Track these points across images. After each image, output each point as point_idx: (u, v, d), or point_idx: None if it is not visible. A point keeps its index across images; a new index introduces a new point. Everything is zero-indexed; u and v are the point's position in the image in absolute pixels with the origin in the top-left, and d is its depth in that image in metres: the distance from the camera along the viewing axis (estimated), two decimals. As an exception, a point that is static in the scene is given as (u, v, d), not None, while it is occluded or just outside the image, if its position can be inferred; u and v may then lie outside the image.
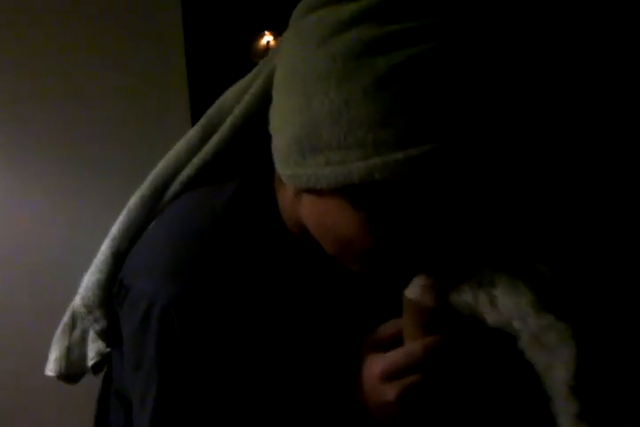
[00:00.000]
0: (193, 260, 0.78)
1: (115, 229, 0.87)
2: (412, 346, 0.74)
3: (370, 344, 0.79)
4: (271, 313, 0.80)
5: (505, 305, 0.67)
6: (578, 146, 0.75)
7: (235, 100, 0.84)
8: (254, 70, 0.85)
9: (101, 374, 0.95)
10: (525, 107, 0.66)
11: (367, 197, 0.68)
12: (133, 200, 0.87)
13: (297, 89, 0.69)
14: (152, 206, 0.86)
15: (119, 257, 0.85)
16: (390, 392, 0.74)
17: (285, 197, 0.79)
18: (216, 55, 1.87)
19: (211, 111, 0.86)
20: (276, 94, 0.74)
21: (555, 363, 0.65)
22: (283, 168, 0.73)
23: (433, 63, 0.63)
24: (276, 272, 0.80)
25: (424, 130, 0.63)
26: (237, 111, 0.83)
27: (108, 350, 0.92)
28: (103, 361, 0.93)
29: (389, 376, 0.75)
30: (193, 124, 0.87)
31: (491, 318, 0.68)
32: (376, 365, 0.76)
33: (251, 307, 0.78)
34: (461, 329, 0.73)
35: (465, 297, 0.70)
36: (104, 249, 0.87)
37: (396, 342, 0.77)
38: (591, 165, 0.80)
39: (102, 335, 0.88)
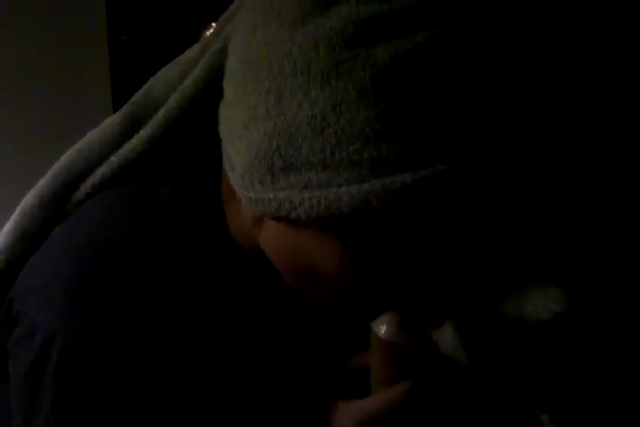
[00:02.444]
0: (105, 281, 0.62)
1: (2, 236, 0.69)
2: (391, 394, 0.65)
3: (333, 383, 0.69)
4: (209, 346, 0.66)
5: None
6: (589, 157, 0.67)
7: (169, 86, 0.67)
8: (197, 47, 0.67)
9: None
10: (555, 119, 0.55)
11: (359, 230, 0.54)
12: (30, 201, 0.69)
13: (262, 84, 0.54)
14: (53, 210, 0.68)
15: (9, 273, 0.68)
16: None
17: (238, 216, 0.63)
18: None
19: (137, 98, 0.68)
20: (229, 88, 0.58)
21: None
22: (243, 189, 0.57)
23: (451, 53, 0.50)
24: (217, 296, 0.66)
25: (439, 145, 0.50)
26: (173, 101, 0.66)
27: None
28: None
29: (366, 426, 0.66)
30: (115, 107, 0.71)
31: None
32: (350, 416, 0.66)
33: (182, 341, 0.64)
34: (436, 370, 0.67)
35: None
36: None
37: (362, 378, 0.68)
38: (600, 176, 0.73)
39: None
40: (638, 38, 0.59)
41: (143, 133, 0.67)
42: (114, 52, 1.86)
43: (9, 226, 0.69)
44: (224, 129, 0.59)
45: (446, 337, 0.64)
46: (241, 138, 0.56)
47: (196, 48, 0.67)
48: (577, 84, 0.54)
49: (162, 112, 0.66)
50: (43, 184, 0.69)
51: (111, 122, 0.68)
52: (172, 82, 0.67)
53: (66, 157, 0.69)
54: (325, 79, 0.51)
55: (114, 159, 0.67)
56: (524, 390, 0.68)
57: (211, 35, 0.66)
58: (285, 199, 0.54)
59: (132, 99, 0.69)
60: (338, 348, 0.71)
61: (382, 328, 0.65)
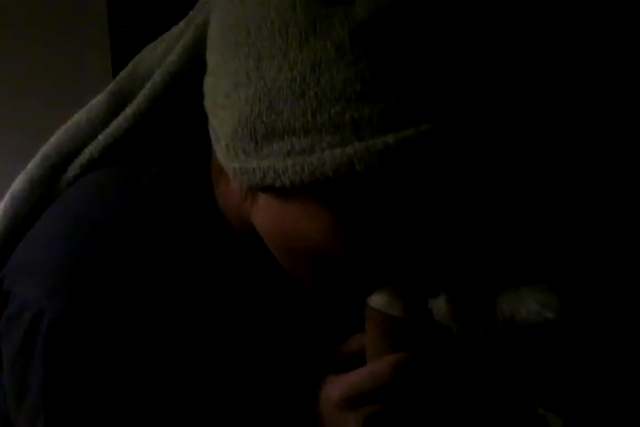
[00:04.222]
0: (93, 259, 0.62)
1: None
2: (378, 365, 0.63)
3: (329, 363, 0.67)
4: (200, 324, 0.65)
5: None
6: (580, 139, 0.69)
7: (155, 61, 0.67)
8: (181, 23, 0.67)
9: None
10: (540, 82, 0.54)
11: (345, 196, 0.54)
12: (19, 185, 0.69)
13: (241, 50, 0.53)
14: (44, 193, 0.68)
15: (1, 258, 0.68)
16: (351, 423, 0.62)
17: (228, 193, 0.63)
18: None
19: (122, 76, 0.68)
20: (211, 57, 0.58)
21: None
22: (227, 160, 0.57)
23: (432, 7, 0.49)
24: (208, 274, 0.65)
25: (422, 104, 0.49)
26: (158, 77, 0.65)
27: None
28: None
29: (351, 403, 0.62)
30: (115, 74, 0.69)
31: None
32: (336, 388, 0.64)
33: (170, 318, 0.63)
34: (432, 343, 0.66)
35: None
36: None
37: (359, 360, 0.65)
38: (593, 162, 0.75)
39: None
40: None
41: (129, 110, 0.66)
42: (115, 43, 1.84)
43: (1, 209, 0.69)
44: (208, 101, 0.59)
45: (440, 304, 0.64)
46: (223, 107, 0.56)
47: (180, 24, 0.67)
48: (563, 46, 0.54)
49: (147, 87, 0.66)
50: (32, 167, 0.69)
51: (97, 101, 0.68)
52: (156, 57, 0.67)
53: (54, 139, 0.69)
54: (304, 39, 0.50)
55: (101, 138, 0.67)
56: (515, 378, 0.68)
57: (194, 9, 0.66)
58: (269, 167, 0.54)
59: (118, 77, 0.68)
60: (333, 329, 0.69)
61: (373, 297, 0.63)
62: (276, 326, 0.68)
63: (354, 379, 0.63)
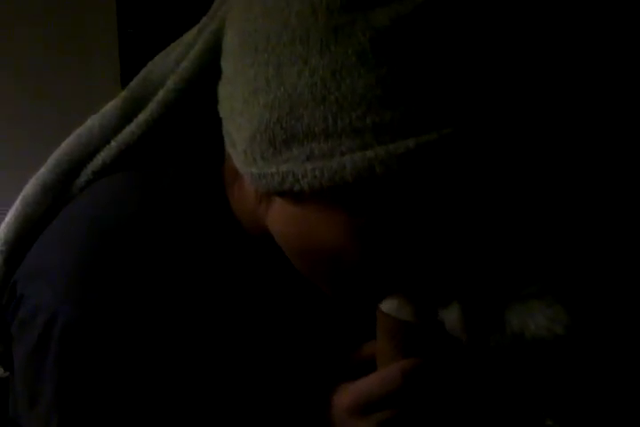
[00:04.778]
0: (106, 263, 0.62)
1: (5, 227, 0.69)
2: (387, 371, 0.63)
3: (341, 370, 0.67)
4: (213, 328, 0.64)
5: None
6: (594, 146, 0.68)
7: (167, 68, 0.67)
8: (194, 29, 0.67)
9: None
10: (562, 85, 0.54)
11: (365, 199, 0.54)
12: (31, 189, 0.69)
13: (261, 56, 0.53)
14: (56, 198, 0.68)
15: (13, 261, 0.68)
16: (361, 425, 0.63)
17: (242, 197, 0.64)
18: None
19: (135, 83, 0.69)
20: (228, 65, 0.58)
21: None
22: (245, 165, 0.57)
23: (452, 14, 0.49)
24: (223, 278, 0.65)
25: (443, 108, 0.50)
26: (171, 83, 0.66)
27: (7, 373, 0.73)
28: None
29: (362, 409, 0.63)
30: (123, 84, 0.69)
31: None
32: (346, 395, 0.64)
33: (183, 317, 0.63)
34: (442, 350, 0.66)
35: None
36: None
37: (371, 367, 0.65)
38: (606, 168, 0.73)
39: None
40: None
41: (142, 116, 0.67)
42: (123, 45, 1.84)
43: (11, 215, 0.69)
44: (224, 107, 0.59)
45: (453, 315, 0.64)
46: (241, 113, 0.56)
47: (193, 31, 0.67)
48: (582, 56, 0.54)
49: (160, 94, 0.66)
50: (44, 171, 0.69)
51: (111, 107, 0.69)
52: (169, 64, 0.67)
53: (66, 144, 0.70)
54: (325, 45, 0.50)
55: (113, 144, 0.67)
56: (525, 389, 0.67)
57: (207, 16, 0.66)
58: (288, 172, 0.54)
59: (131, 83, 0.69)
60: (346, 334, 0.69)
61: (385, 302, 0.64)
62: (288, 331, 0.68)
63: (364, 385, 0.63)
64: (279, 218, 0.60)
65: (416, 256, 0.58)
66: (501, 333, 0.64)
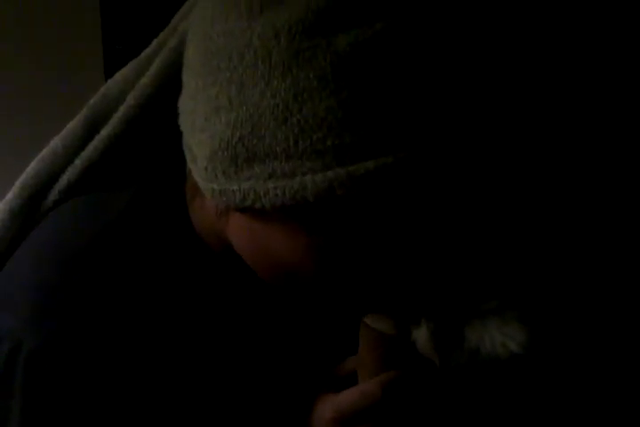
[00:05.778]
0: (66, 289, 0.62)
1: None
2: (368, 385, 0.64)
3: (323, 382, 0.68)
4: (181, 349, 0.64)
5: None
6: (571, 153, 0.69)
7: (127, 84, 0.67)
8: (153, 44, 0.68)
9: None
10: (521, 107, 0.54)
11: (323, 219, 0.54)
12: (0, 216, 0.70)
13: (223, 75, 0.53)
14: (23, 221, 0.69)
15: None
16: None
17: (203, 211, 0.64)
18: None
19: (95, 101, 0.69)
20: (189, 80, 0.58)
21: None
22: (206, 181, 0.57)
23: (411, 40, 0.50)
24: (187, 296, 0.65)
25: (398, 133, 0.50)
26: (131, 99, 0.66)
27: None
28: None
29: (342, 422, 0.64)
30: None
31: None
32: (328, 407, 0.65)
33: (152, 342, 0.63)
34: (422, 364, 0.65)
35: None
36: None
37: (353, 380, 0.66)
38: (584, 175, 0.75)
39: None
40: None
41: (104, 132, 0.67)
42: (109, 61, 1.84)
43: None
44: (185, 122, 0.59)
45: (422, 336, 0.64)
46: (203, 130, 0.55)
47: (151, 47, 0.68)
48: (540, 75, 0.55)
49: (121, 110, 0.66)
50: (11, 197, 0.70)
51: (72, 126, 0.69)
52: (129, 80, 0.67)
53: (31, 168, 0.70)
54: (287, 68, 0.51)
55: (77, 162, 0.67)
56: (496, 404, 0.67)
57: (165, 33, 0.67)
58: (250, 190, 0.54)
59: (91, 101, 0.69)
60: (323, 344, 0.70)
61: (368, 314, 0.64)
62: (262, 343, 0.68)
63: (345, 398, 0.64)
64: (238, 232, 0.60)
65: (372, 274, 0.58)
66: (461, 349, 0.64)
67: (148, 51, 0.68)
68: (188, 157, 0.59)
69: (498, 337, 0.63)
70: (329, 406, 0.65)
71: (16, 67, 1.88)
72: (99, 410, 0.62)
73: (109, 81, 0.69)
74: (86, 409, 0.62)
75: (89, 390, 0.61)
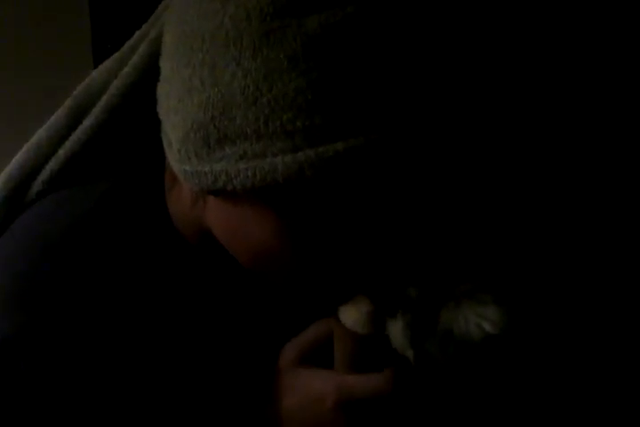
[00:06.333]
0: (39, 280, 0.63)
1: None
2: (380, 377, 0.63)
3: (293, 353, 0.67)
4: (157, 339, 0.65)
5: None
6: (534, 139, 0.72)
7: (110, 74, 0.69)
8: (135, 36, 0.69)
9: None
10: (489, 92, 0.56)
11: (294, 200, 0.55)
12: None
13: (196, 56, 0.54)
14: (8, 213, 0.69)
15: None
16: (340, 420, 0.63)
17: (180, 198, 0.64)
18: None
19: (78, 91, 0.70)
20: (165, 64, 0.59)
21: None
22: (179, 163, 0.58)
23: (381, 23, 0.51)
24: (161, 287, 0.65)
25: (370, 114, 0.51)
26: (114, 88, 0.67)
27: None
28: None
29: (346, 406, 0.63)
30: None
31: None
32: (331, 383, 0.64)
33: (125, 333, 0.63)
34: (393, 363, 0.65)
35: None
36: None
37: (318, 351, 0.66)
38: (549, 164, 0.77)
39: None
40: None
41: (86, 122, 0.68)
42: (99, 60, 1.84)
43: None
44: (161, 106, 0.60)
45: (397, 331, 0.63)
46: (176, 112, 0.56)
47: (133, 38, 0.69)
48: (503, 55, 0.56)
49: (103, 99, 0.67)
50: None
51: (57, 117, 0.70)
52: (112, 71, 0.68)
53: (15, 160, 0.70)
54: (257, 49, 0.51)
55: (61, 152, 0.68)
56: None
57: (147, 24, 0.68)
58: (221, 171, 0.54)
59: (75, 92, 0.70)
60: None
61: (340, 314, 0.64)
62: (240, 333, 0.68)
63: (354, 381, 0.63)
64: (214, 217, 0.61)
65: (345, 254, 0.59)
66: (434, 336, 0.64)
67: (130, 42, 0.69)
68: (165, 143, 0.60)
69: (472, 318, 0.62)
70: (333, 383, 0.63)
71: (4, 66, 1.88)
72: (68, 400, 0.62)
73: (94, 72, 0.70)
74: (56, 399, 0.62)
75: (57, 379, 0.62)
